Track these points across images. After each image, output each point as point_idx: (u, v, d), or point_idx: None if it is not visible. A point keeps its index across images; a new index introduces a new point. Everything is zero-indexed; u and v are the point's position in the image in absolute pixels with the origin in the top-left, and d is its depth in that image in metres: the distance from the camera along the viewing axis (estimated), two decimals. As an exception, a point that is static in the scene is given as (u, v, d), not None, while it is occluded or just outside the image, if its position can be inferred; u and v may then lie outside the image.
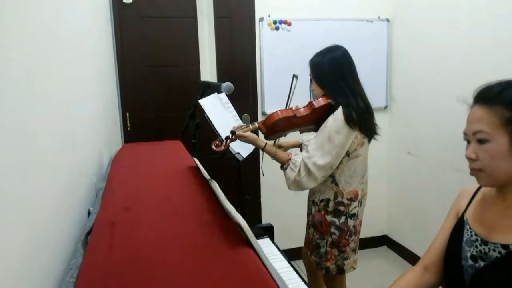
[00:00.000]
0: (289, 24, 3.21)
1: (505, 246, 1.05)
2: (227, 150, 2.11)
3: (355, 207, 2.07)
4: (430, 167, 3.12)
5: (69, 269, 0.92)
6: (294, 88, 2.08)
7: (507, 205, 1.10)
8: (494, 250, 1.08)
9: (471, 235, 1.15)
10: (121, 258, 0.88)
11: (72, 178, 1.26)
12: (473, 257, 1.13)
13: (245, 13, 3.15)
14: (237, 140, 2.02)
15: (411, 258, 3.34)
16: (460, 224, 1.21)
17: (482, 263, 1.10)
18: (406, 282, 1.28)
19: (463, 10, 2.71)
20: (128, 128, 3.04)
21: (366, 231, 3.36)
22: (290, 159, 2.00)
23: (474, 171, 1.10)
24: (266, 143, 2.04)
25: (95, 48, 2.09)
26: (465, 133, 1.12)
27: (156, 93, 3.06)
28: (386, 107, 3.55)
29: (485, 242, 1.10)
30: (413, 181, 3.37)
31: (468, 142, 1.11)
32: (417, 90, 3.23)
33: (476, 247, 1.12)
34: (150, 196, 1.32)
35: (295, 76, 2.07)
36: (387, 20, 3.41)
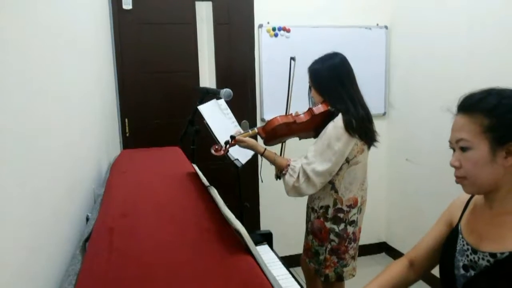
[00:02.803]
0: (288, 31, 3.22)
1: (493, 255, 1.06)
2: (226, 156, 2.11)
3: (354, 214, 2.07)
4: (428, 174, 3.12)
5: (67, 276, 0.91)
6: (294, 72, 2.11)
7: (494, 214, 1.11)
8: (483, 259, 1.08)
9: (463, 245, 1.16)
10: (120, 265, 0.88)
11: (71, 184, 1.26)
12: (465, 267, 1.13)
13: (244, 20, 3.17)
14: (237, 146, 2.02)
15: (410, 265, 3.32)
16: (454, 234, 1.21)
17: (472, 272, 1.11)
18: (393, 272, 1.30)
19: (462, 17, 2.73)
20: (127, 134, 3.04)
21: (364, 238, 3.35)
22: (289, 165, 2.00)
23: (459, 179, 1.12)
24: (265, 149, 2.04)
25: (95, 54, 2.09)
26: (450, 142, 1.14)
27: (155, 99, 3.06)
28: (384, 114, 3.55)
29: (475, 251, 1.11)
30: (411, 187, 3.37)
31: (454, 150, 1.13)
32: (415, 97, 3.24)
33: (467, 256, 1.13)
34: (149, 203, 1.32)
35: (292, 58, 2.10)
36: (386, 27, 3.43)
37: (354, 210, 2.06)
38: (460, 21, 2.74)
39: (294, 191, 2.00)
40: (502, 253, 1.03)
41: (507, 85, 1.11)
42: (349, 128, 1.92)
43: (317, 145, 1.98)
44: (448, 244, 1.22)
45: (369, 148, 2.07)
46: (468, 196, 1.24)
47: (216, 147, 1.99)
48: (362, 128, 1.96)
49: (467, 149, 1.07)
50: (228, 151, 2.01)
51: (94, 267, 0.87)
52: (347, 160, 1.99)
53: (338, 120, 1.94)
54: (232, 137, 1.99)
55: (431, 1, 2.99)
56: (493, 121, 1.04)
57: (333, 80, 1.99)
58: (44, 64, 1.04)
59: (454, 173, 1.13)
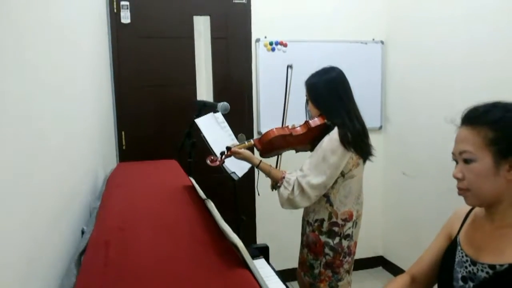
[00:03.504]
0: (285, 45, 3.25)
1: (492, 267, 1.06)
2: (222, 168, 2.11)
3: (349, 228, 2.06)
4: (425, 187, 3.13)
5: (62, 290, 0.90)
6: (291, 80, 2.12)
7: (495, 226, 1.11)
8: (482, 271, 1.08)
9: (462, 256, 1.16)
10: (116, 278, 0.87)
11: (67, 196, 1.25)
12: (463, 278, 1.13)
13: (241, 34, 3.19)
14: (232, 157, 2.02)
15: (407, 279, 3.30)
16: (453, 246, 1.22)
17: (471, 284, 1.11)
18: None
19: (457, 32, 2.76)
20: (124, 147, 3.03)
21: (361, 252, 3.34)
22: (284, 177, 2.00)
23: (461, 191, 1.13)
24: (260, 161, 2.05)
25: (93, 67, 2.10)
26: (453, 153, 1.15)
27: (152, 112, 3.07)
28: (380, 128, 3.57)
29: (474, 263, 1.11)
30: (408, 201, 3.37)
31: (457, 162, 1.14)
32: (411, 111, 3.26)
33: (466, 268, 1.13)
34: (145, 216, 1.31)
35: (289, 66, 2.11)
36: (381, 42, 3.47)
37: (349, 224, 2.06)
38: (455, 36, 2.78)
39: (289, 203, 2.00)
40: (501, 265, 1.04)
41: (504, 98, 1.13)
42: (345, 141, 1.93)
43: (313, 158, 1.98)
44: (447, 256, 1.22)
45: (364, 162, 2.07)
46: (468, 208, 1.24)
47: (212, 157, 1.99)
48: (357, 142, 1.97)
49: (470, 161, 1.08)
50: (223, 162, 2.01)
51: (90, 280, 0.87)
52: (342, 174, 1.99)
53: (334, 133, 1.95)
54: (228, 148, 1.99)
55: (427, 16, 3.03)
56: (497, 134, 1.05)
57: (330, 94, 2.01)
58: (41, 77, 1.04)
59: (456, 184, 1.13)
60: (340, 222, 2.04)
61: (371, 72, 3.47)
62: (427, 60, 3.04)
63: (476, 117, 1.09)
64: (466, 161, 1.09)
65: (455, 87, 2.78)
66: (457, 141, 1.13)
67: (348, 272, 2.13)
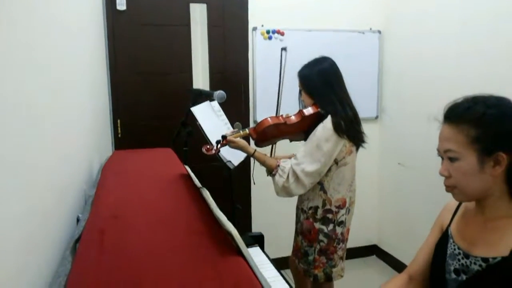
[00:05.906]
0: (282, 34, 3.23)
1: (485, 260, 1.07)
2: (218, 157, 2.11)
3: (343, 215, 2.09)
4: (420, 178, 3.14)
5: (57, 277, 0.91)
6: (285, 62, 2.10)
7: (486, 219, 1.12)
8: (475, 264, 1.09)
9: (454, 249, 1.16)
10: (111, 266, 0.88)
11: (62, 184, 1.25)
12: (456, 271, 1.14)
13: (238, 22, 3.17)
14: (227, 146, 2.03)
15: (401, 268, 3.33)
16: (444, 238, 1.22)
17: (464, 277, 1.12)
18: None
19: (454, 22, 2.76)
20: (119, 135, 3.02)
21: (356, 241, 3.37)
22: (278, 166, 2.03)
23: (449, 188, 1.13)
24: (255, 150, 2.07)
25: (88, 55, 2.08)
26: (438, 150, 1.15)
27: (148, 100, 3.05)
28: (376, 118, 3.57)
29: (466, 256, 1.12)
30: (403, 191, 3.39)
31: (442, 158, 1.14)
32: (407, 101, 3.27)
33: (459, 260, 1.14)
34: (140, 204, 1.32)
35: (283, 49, 2.10)
36: (379, 31, 3.45)
37: (343, 211, 2.08)
38: (452, 27, 2.77)
39: (284, 191, 2.03)
40: (494, 258, 1.05)
41: (498, 89, 1.13)
42: (338, 129, 1.95)
43: (307, 146, 2.00)
44: (438, 248, 1.23)
45: (357, 149, 2.10)
46: None
47: (208, 146, 2.00)
48: (350, 129, 2.00)
49: (455, 159, 1.08)
50: (219, 150, 2.02)
51: (84, 268, 0.87)
52: (336, 161, 2.01)
53: (327, 122, 1.97)
54: (224, 137, 2.00)
55: (424, 6, 3.02)
56: (479, 132, 1.04)
57: (323, 84, 2.03)
58: (36, 65, 1.03)
59: (443, 181, 1.13)
60: (334, 209, 2.07)
61: (368, 62, 3.46)
62: (424, 51, 3.04)
63: (457, 115, 1.09)
64: (451, 159, 1.09)
65: (452, 78, 2.78)
66: (440, 139, 1.13)
67: (341, 258, 2.16)
